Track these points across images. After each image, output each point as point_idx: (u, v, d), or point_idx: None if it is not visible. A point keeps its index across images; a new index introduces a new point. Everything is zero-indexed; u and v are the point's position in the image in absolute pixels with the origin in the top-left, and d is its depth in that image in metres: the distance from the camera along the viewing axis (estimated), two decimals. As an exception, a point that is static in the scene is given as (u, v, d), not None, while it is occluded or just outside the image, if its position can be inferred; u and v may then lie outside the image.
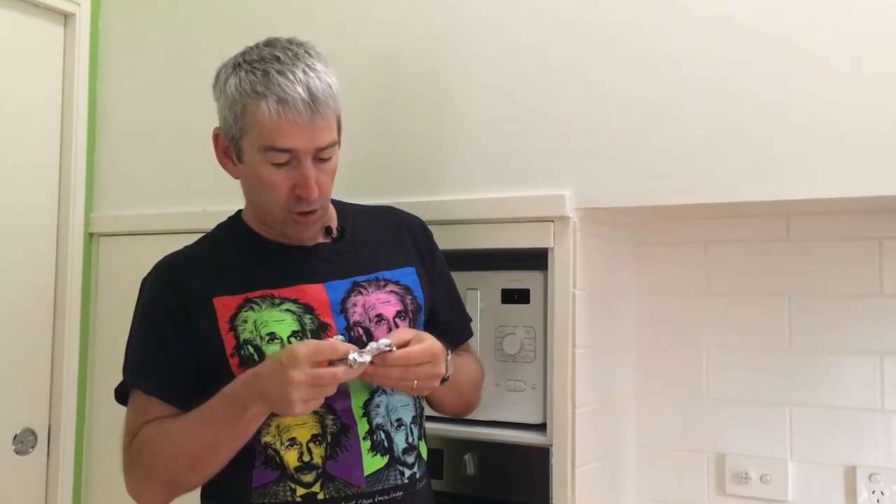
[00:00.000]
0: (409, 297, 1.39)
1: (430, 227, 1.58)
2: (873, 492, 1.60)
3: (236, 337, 1.25)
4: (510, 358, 1.61)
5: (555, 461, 1.52)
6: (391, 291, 1.37)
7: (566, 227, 1.54)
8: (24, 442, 2.04)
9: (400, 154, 1.73)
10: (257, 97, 1.21)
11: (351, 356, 1.14)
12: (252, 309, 1.27)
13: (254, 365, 1.22)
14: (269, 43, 1.28)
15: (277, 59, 1.24)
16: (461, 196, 1.65)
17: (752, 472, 1.70)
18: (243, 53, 1.28)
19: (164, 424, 1.23)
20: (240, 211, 1.42)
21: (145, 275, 1.35)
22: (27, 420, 2.06)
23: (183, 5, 2.10)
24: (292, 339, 1.25)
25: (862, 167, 1.34)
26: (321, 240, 1.38)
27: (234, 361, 1.24)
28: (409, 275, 1.41)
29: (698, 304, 1.78)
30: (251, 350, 1.25)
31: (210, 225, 1.45)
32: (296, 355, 1.11)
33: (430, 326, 1.40)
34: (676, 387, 1.79)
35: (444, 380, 1.28)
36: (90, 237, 2.20)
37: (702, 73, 1.46)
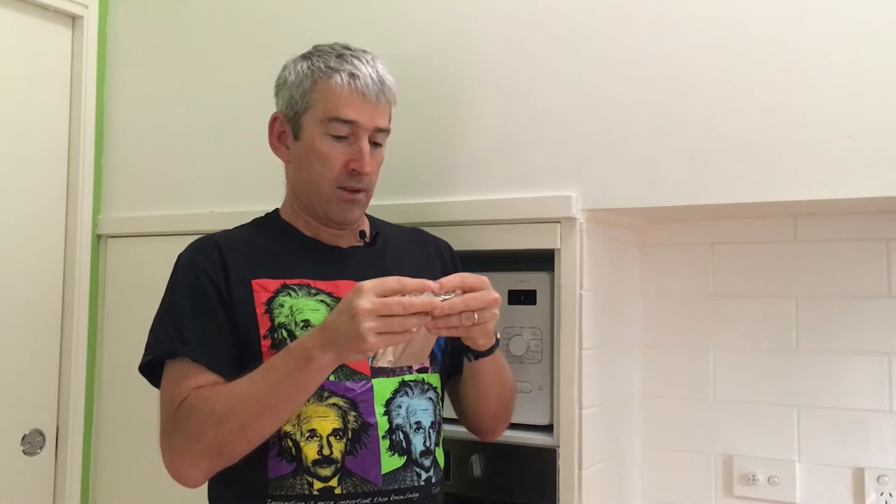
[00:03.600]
0: None
1: (436, 227, 1.58)
2: (881, 493, 1.59)
3: (271, 319, 1.27)
4: (517, 359, 1.61)
5: (561, 462, 1.52)
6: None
7: (573, 228, 1.54)
8: (32, 443, 2.05)
9: (406, 155, 1.73)
10: (330, 71, 1.33)
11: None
12: (289, 295, 1.30)
13: None
14: (336, 43, 1.39)
15: (349, 48, 1.37)
16: (468, 197, 1.66)
17: (759, 473, 1.69)
18: (312, 48, 1.39)
19: (215, 388, 1.21)
20: (276, 210, 1.45)
21: (182, 252, 1.35)
22: (35, 421, 2.07)
23: (191, 8, 2.11)
24: None
25: (869, 168, 1.33)
26: (355, 243, 1.42)
27: (265, 343, 1.26)
28: None
29: (705, 305, 1.77)
30: (284, 334, 1.26)
31: (217, 226, 1.45)
32: (361, 286, 1.10)
33: (453, 344, 1.41)
34: (683, 388, 1.79)
35: (495, 345, 1.31)
36: (98, 239, 2.20)
37: (708, 74, 1.46)
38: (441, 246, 1.53)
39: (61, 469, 2.11)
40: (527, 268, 1.65)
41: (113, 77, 2.23)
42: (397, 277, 1.12)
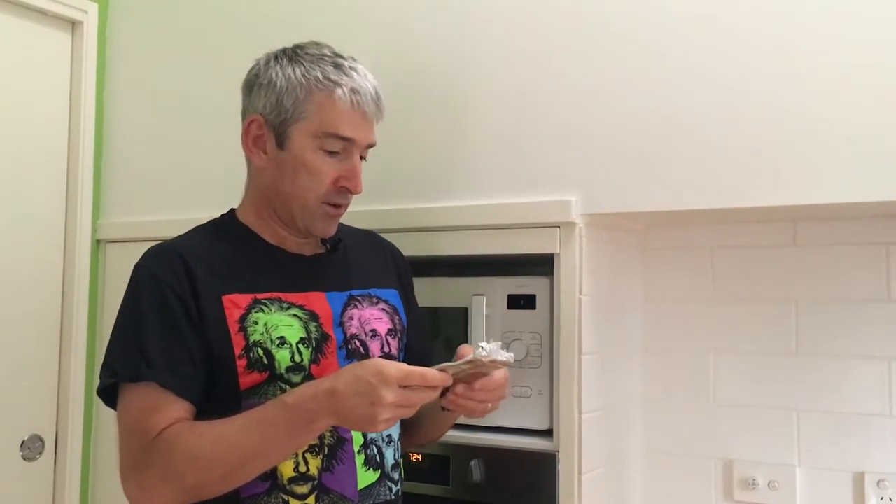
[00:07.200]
0: (397, 317, 1.40)
1: (434, 232, 1.58)
2: (882, 498, 1.59)
3: (246, 338, 1.21)
4: (516, 364, 1.60)
5: (561, 467, 1.52)
6: (382, 309, 1.38)
7: (572, 232, 1.54)
8: (31, 448, 2.05)
9: (405, 159, 1.73)
10: (331, 84, 1.26)
11: (483, 350, 1.13)
12: (262, 311, 1.24)
13: (262, 368, 1.20)
14: (318, 45, 1.33)
15: (340, 56, 1.31)
16: (467, 202, 1.66)
17: (759, 478, 1.69)
18: (296, 49, 1.32)
19: (196, 428, 1.15)
20: (232, 210, 1.39)
21: (140, 261, 1.27)
22: (34, 426, 2.06)
23: (190, 14, 2.11)
24: (300, 346, 1.23)
25: (869, 172, 1.33)
26: (318, 250, 1.38)
27: (241, 363, 1.20)
28: (394, 296, 1.43)
29: (705, 309, 1.77)
30: (260, 353, 1.21)
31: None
32: (388, 376, 1.07)
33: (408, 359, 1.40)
34: (683, 392, 1.78)
35: None
36: (97, 244, 2.20)
37: (708, 78, 1.46)
38: (394, 251, 1.51)
39: (60, 474, 2.10)
40: (526, 272, 1.65)
41: (112, 82, 2.23)
42: (421, 372, 1.10)
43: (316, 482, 1.22)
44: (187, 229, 1.36)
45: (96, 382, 2.12)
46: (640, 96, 1.51)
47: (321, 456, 1.23)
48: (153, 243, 1.27)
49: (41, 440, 2.07)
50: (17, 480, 2.02)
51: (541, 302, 1.60)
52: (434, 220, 1.67)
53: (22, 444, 2.03)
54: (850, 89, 1.35)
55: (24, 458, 2.03)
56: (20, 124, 2.06)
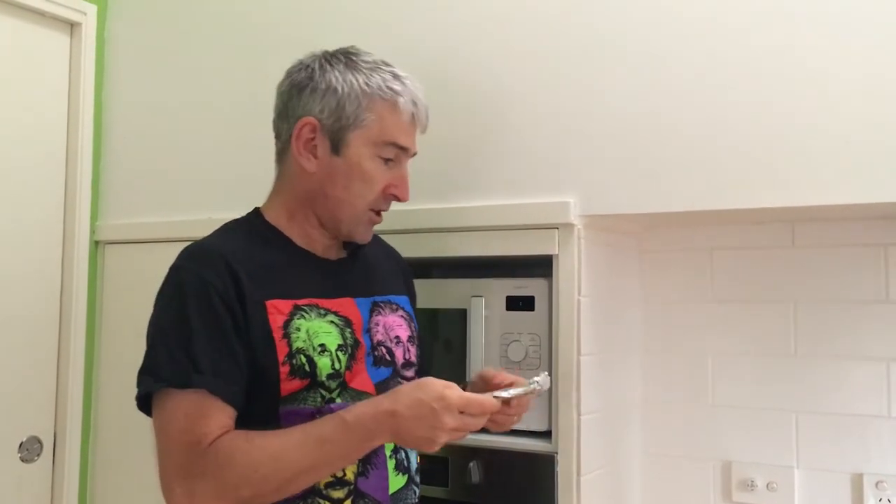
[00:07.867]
0: (413, 323, 1.42)
1: (433, 233, 1.58)
2: (880, 499, 1.59)
3: (289, 345, 1.20)
4: (515, 365, 1.61)
5: (560, 469, 1.52)
6: (401, 316, 1.39)
7: (570, 234, 1.54)
8: (29, 450, 2.05)
9: (404, 161, 1.73)
10: (394, 94, 1.28)
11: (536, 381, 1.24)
12: (303, 317, 1.24)
13: (303, 375, 1.20)
14: (365, 52, 1.33)
15: (389, 64, 1.32)
16: (465, 203, 1.66)
17: (758, 479, 1.69)
18: (348, 54, 1.31)
19: (255, 440, 1.14)
20: (257, 210, 1.36)
21: (180, 262, 1.24)
22: (33, 428, 2.06)
23: (189, 15, 2.11)
24: (339, 353, 1.24)
25: (867, 174, 1.34)
26: (340, 255, 1.38)
27: (284, 369, 1.19)
28: (406, 303, 1.44)
29: (703, 310, 1.77)
30: (303, 360, 1.21)
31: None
32: (450, 401, 1.11)
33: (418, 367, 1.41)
34: (682, 394, 1.78)
35: None
36: (96, 245, 2.20)
37: (707, 80, 1.46)
38: (398, 256, 1.53)
39: (59, 476, 2.10)
40: (525, 274, 1.65)
41: (111, 84, 2.23)
42: (480, 401, 1.14)
43: (352, 487, 1.23)
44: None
45: (96, 383, 2.16)
46: (639, 97, 1.51)
47: (357, 461, 1.23)
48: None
49: (39, 442, 2.07)
50: (15, 482, 2.01)
51: (539, 303, 1.60)
52: (432, 221, 1.67)
53: (20, 446, 2.03)
54: (850, 90, 1.35)
55: (23, 460, 2.03)
56: (19, 125, 2.05)
